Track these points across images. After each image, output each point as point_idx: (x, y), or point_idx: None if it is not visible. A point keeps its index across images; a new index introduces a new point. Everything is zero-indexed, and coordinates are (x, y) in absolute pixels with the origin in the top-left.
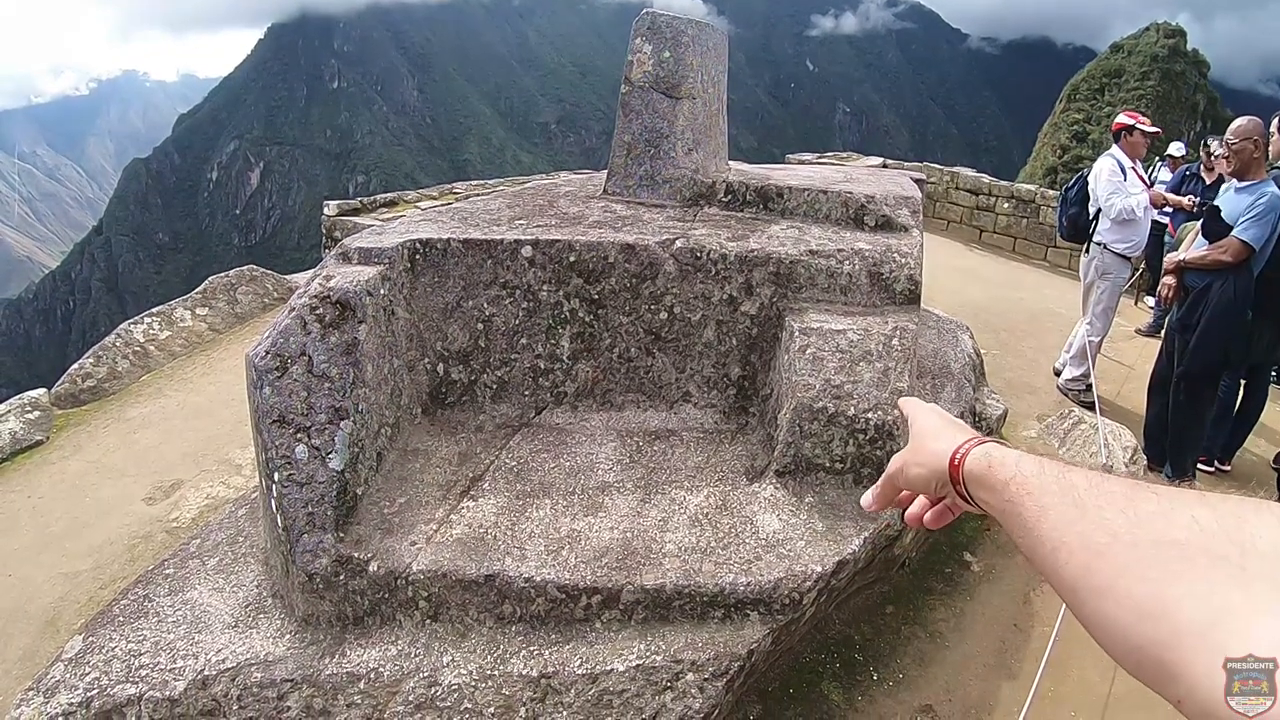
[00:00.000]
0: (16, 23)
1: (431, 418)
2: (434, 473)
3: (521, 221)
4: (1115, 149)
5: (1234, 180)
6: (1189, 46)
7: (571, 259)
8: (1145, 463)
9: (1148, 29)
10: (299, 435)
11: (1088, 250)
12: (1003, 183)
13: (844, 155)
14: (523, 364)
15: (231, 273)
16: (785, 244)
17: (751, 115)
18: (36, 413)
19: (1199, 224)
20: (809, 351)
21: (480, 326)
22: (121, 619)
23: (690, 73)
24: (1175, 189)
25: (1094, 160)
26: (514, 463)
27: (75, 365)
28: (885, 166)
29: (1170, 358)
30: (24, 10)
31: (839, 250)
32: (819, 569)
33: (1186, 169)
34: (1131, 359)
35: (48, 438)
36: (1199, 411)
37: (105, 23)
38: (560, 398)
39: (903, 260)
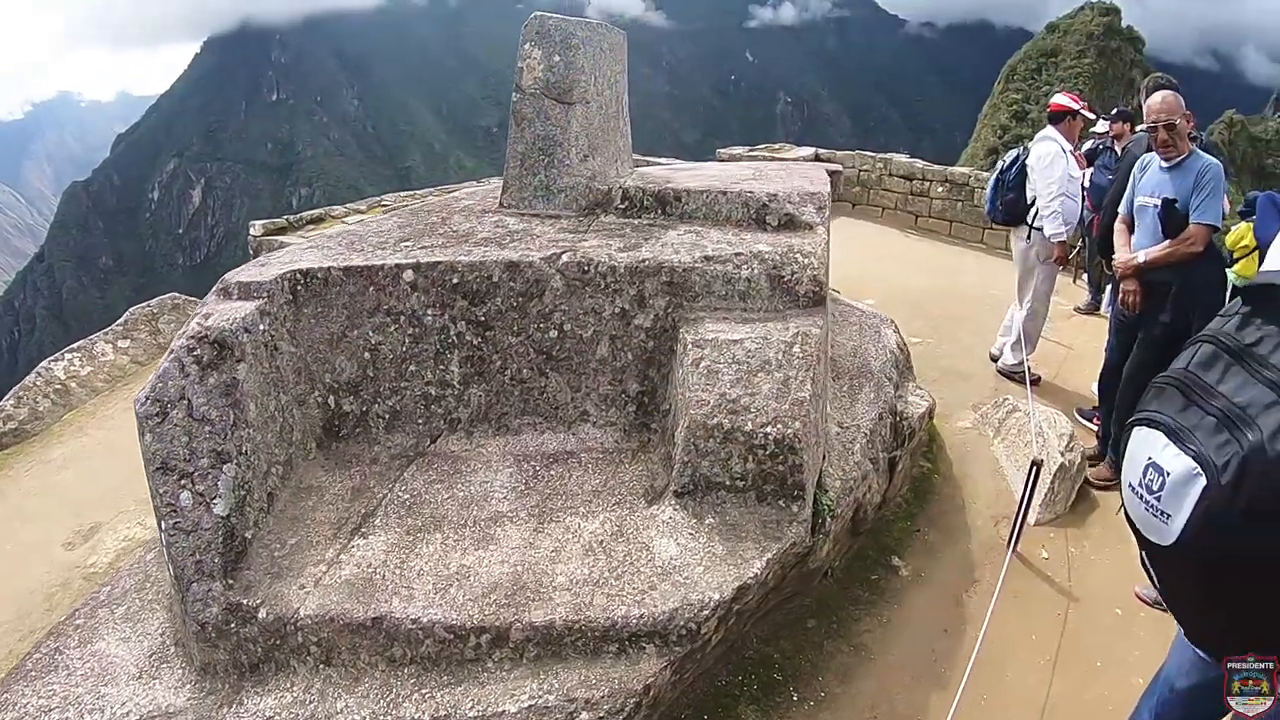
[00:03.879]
0: None
1: (327, 452)
2: (326, 510)
3: (408, 243)
4: (1053, 131)
5: (1155, 158)
6: (1123, 24)
7: (454, 281)
8: (1082, 449)
9: (1082, 8)
10: (183, 482)
11: (1023, 235)
12: (936, 167)
13: (776, 147)
14: (414, 392)
15: (153, 302)
16: (680, 251)
17: (694, 110)
18: None
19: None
20: (703, 364)
21: (368, 356)
22: (34, 674)
23: (582, 76)
24: (1089, 160)
25: (1030, 139)
26: (407, 496)
27: None
28: (818, 157)
29: (1123, 356)
30: None
31: (737, 254)
32: (717, 596)
33: (1099, 142)
34: (1070, 338)
35: None
36: None
37: (37, 44)
38: (454, 424)
39: (805, 261)
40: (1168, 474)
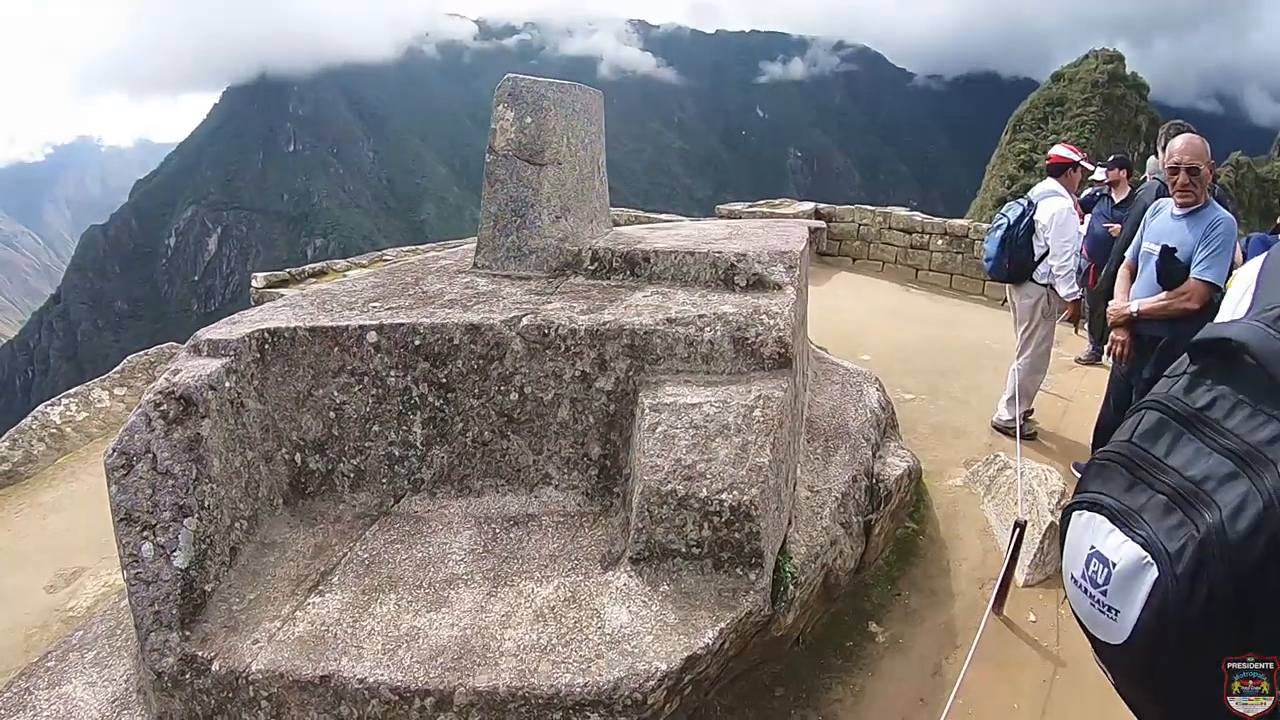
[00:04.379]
0: None
1: (293, 508)
2: (287, 566)
3: (377, 303)
4: (1055, 184)
5: (1168, 204)
6: (1128, 70)
7: (416, 342)
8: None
9: (1087, 56)
10: (145, 533)
11: (1029, 291)
12: (936, 219)
13: (777, 203)
14: (377, 452)
15: (151, 351)
16: (643, 313)
17: (706, 165)
18: None
19: (1128, 261)
20: (659, 429)
21: (333, 415)
22: (3, 712)
23: (554, 138)
24: (1085, 208)
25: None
26: (366, 555)
27: None
28: (818, 213)
29: (1120, 411)
30: None
31: (700, 316)
32: (664, 666)
33: (1096, 190)
34: (1070, 390)
35: None
36: None
37: (60, 88)
38: (418, 485)
39: (771, 322)
40: (1113, 565)
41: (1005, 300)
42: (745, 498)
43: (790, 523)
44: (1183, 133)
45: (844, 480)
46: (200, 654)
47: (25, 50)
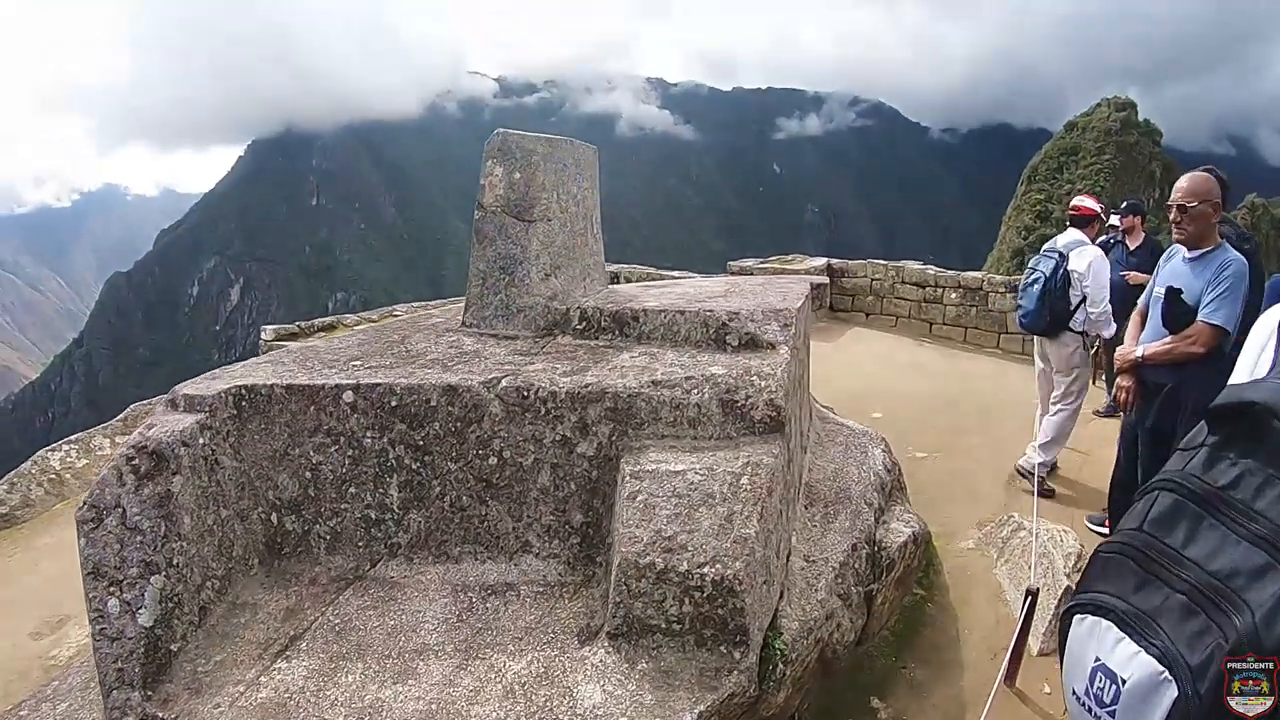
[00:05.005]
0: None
1: (268, 568)
2: (257, 629)
3: (358, 362)
4: (1081, 234)
5: (1180, 249)
6: (1140, 117)
7: (393, 403)
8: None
9: (1099, 104)
10: (111, 589)
11: (1067, 340)
12: (949, 273)
13: (789, 258)
14: (354, 514)
15: (154, 400)
16: (628, 375)
17: (723, 221)
18: None
19: (1140, 307)
20: (639, 498)
21: (309, 475)
22: None
23: (543, 194)
24: None
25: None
26: (338, 620)
27: None
28: (830, 267)
29: (1132, 464)
30: (6, 119)
31: (687, 378)
32: None
33: (1110, 237)
34: (1088, 444)
35: None
36: None
37: (88, 137)
38: (394, 549)
39: (762, 383)
40: (1123, 681)
41: (1034, 354)
42: (729, 571)
43: (782, 595)
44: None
45: (843, 549)
46: (161, 715)
47: (54, 98)
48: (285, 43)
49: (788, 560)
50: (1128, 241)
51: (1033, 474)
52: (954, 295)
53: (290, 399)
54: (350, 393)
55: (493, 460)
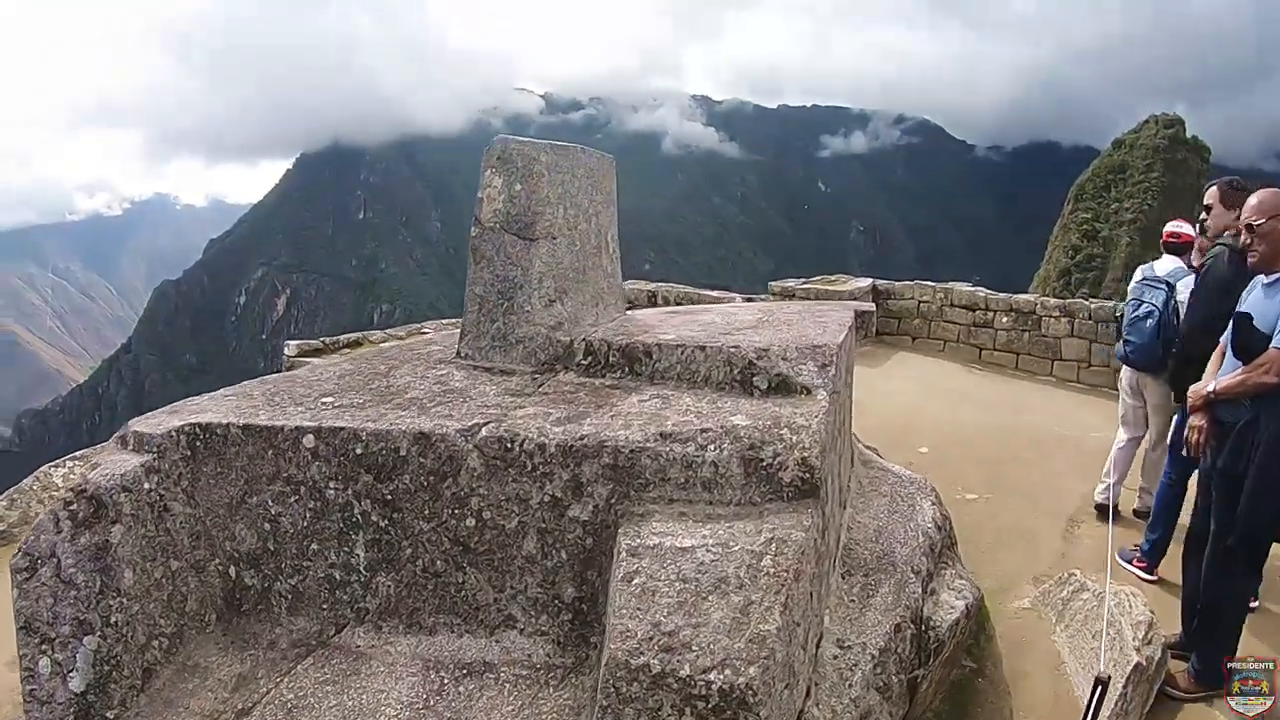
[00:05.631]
0: (53, 143)
1: (227, 625)
2: (204, 698)
3: (331, 398)
4: (1180, 262)
5: (1259, 275)
6: (1188, 134)
7: (358, 451)
8: (1164, 643)
9: (1146, 122)
10: (44, 647)
11: (1160, 374)
12: (1001, 295)
13: (833, 279)
14: (316, 573)
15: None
16: (632, 425)
17: (768, 239)
18: None
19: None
20: (636, 581)
21: (268, 527)
22: None
23: (546, 208)
24: None
25: (1104, 258)
26: (291, 696)
27: None
28: (875, 288)
29: (1207, 515)
30: (59, 131)
31: (703, 431)
32: None
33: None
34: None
35: None
36: (1242, 589)
37: (139, 148)
38: (362, 615)
39: (794, 438)
40: None
41: (1121, 388)
42: (741, 679)
43: (809, 694)
44: (1216, 188)
45: (884, 631)
46: None
47: (106, 110)
48: (334, 58)
49: (817, 648)
50: (1192, 262)
51: (1111, 510)
52: (1005, 319)
53: (247, 441)
54: (311, 437)
55: (470, 521)
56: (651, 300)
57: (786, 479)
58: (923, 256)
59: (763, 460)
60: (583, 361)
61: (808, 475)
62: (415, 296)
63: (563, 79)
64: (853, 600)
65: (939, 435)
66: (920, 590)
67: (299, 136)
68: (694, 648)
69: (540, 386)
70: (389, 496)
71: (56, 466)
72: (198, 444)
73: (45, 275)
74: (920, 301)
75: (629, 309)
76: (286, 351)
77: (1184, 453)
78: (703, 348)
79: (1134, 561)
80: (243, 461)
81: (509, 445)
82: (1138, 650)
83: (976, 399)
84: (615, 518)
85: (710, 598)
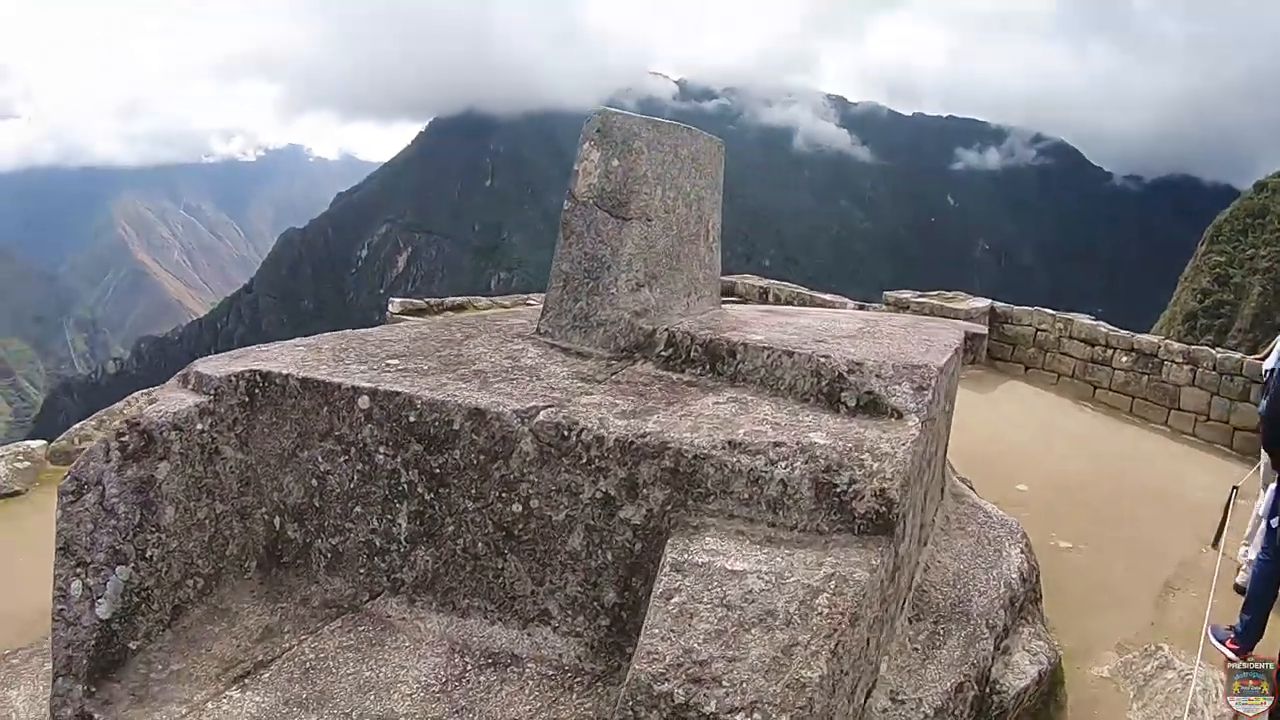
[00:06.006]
0: (195, 90)
1: (265, 574)
2: (227, 643)
3: (397, 360)
4: None
5: None
6: None
7: (411, 418)
8: None
9: None
10: (78, 570)
11: None
12: (1122, 333)
13: (950, 295)
14: (357, 536)
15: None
16: (701, 428)
17: (890, 247)
18: (27, 463)
19: None
20: (675, 600)
21: (315, 483)
22: None
23: (643, 186)
24: None
25: (1233, 306)
26: (311, 655)
27: (77, 425)
28: (993, 310)
29: None
30: (202, 78)
31: (775, 445)
32: None
33: None
34: None
35: (28, 489)
36: None
37: (276, 100)
38: (397, 585)
39: (875, 465)
40: None
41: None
42: None
43: None
44: None
45: (944, 688)
46: (97, 716)
47: (246, 62)
48: (474, 25)
49: (867, 698)
50: None
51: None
52: (1125, 359)
53: (304, 394)
54: (366, 398)
55: (517, 507)
56: (763, 296)
57: (860, 510)
58: (1048, 282)
59: (837, 486)
60: (663, 353)
61: (884, 509)
62: (534, 267)
63: (698, 66)
64: (916, 649)
65: (1040, 474)
66: (992, 647)
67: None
68: (725, 683)
69: (614, 374)
70: (437, 470)
71: (148, 393)
72: (256, 391)
73: (177, 211)
74: (1038, 330)
75: (739, 303)
76: (390, 309)
77: None
78: (791, 353)
79: (1227, 643)
80: (298, 414)
81: (565, 434)
82: None
83: (1085, 441)
84: (669, 525)
85: (753, 630)
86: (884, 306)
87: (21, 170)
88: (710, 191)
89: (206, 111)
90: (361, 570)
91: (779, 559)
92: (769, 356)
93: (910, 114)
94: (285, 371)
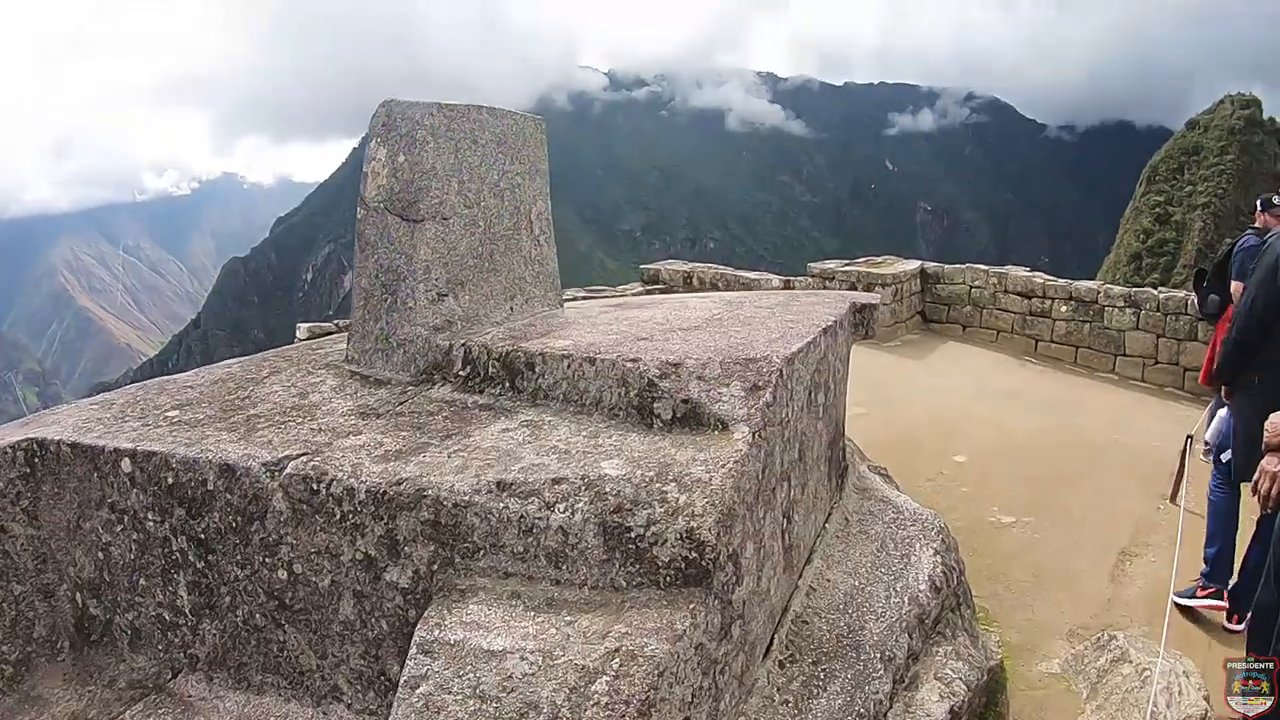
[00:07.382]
0: (124, 123)
1: (77, 654)
2: None
3: (177, 411)
4: None
5: None
6: (1265, 115)
7: (169, 480)
8: None
9: (1222, 102)
10: None
11: None
12: (1059, 282)
13: (878, 260)
14: (148, 610)
15: None
16: (470, 467)
17: (834, 217)
18: None
19: None
20: (420, 690)
21: (101, 556)
22: None
23: (434, 182)
24: (1239, 271)
25: (1176, 243)
26: None
27: None
28: (923, 271)
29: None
30: (129, 111)
31: (554, 482)
32: None
33: (1242, 241)
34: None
35: None
36: None
37: (206, 128)
38: (194, 662)
39: (682, 499)
40: None
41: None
42: None
43: None
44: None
45: None
46: None
47: (175, 90)
48: (399, 31)
49: None
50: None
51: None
52: (1064, 308)
53: (76, 461)
54: (128, 460)
55: (282, 574)
56: (687, 281)
57: (664, 558)
58: (991, 237)
59: (631, 530)
60: (460, 372)
61: (695, 555)
62: None
63: (626, 54)
64: (787, 700)
65: (980, 441)
66: (889, 686)
67: (365, 113)
68: None
69: (404, 403)
70: (202, 535)
71: None
72: (35, 461)
73: (116, 253)
74: (972, 286)
75: (664, 291)
76: (298, 335)
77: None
78: (593, 360)
79: (1199, 592)
80: (74, 483)
81: (315, 487)
82: None
83: (1027, 398)
84: (438, 588)
85: None
86: (810, 279)
87: None
88: (528, 178)
89: (136, 144)
90: (159, 646)
91: (553, 630)
92: (569, 366)
93: (842, 84)
94: (58, 438)
